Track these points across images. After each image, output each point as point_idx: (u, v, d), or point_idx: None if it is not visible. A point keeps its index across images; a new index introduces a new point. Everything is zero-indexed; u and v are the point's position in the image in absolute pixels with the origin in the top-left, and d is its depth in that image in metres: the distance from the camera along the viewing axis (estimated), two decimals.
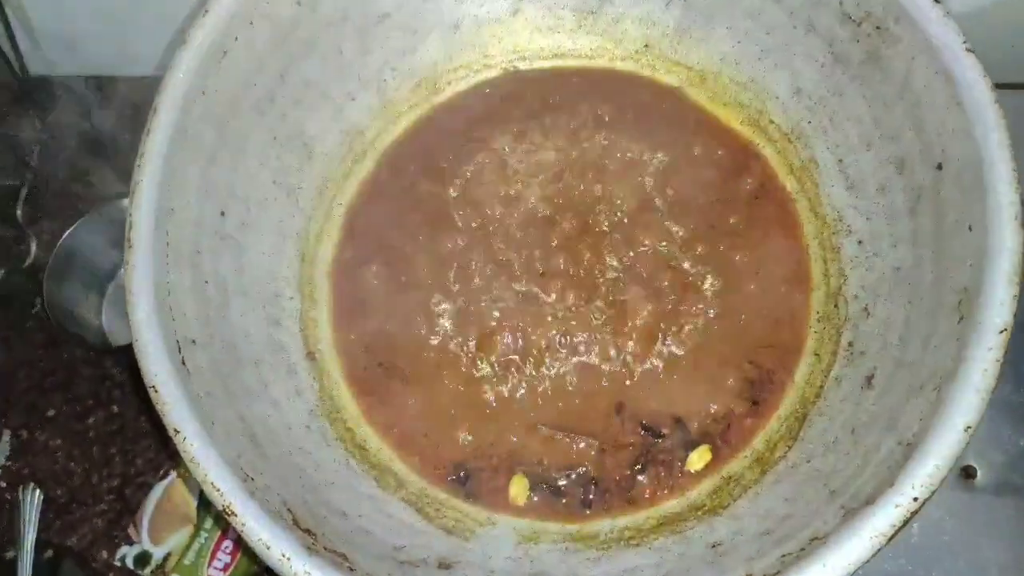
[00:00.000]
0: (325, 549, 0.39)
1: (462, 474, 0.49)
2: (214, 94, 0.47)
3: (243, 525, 0.38)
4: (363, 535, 0.43)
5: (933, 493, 0.35)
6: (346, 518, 0.44)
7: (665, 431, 0.48)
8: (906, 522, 0.35)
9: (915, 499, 0.35)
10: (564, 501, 0.48)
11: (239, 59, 0.48)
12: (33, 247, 0.68)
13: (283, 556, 0.37)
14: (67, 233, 0.64)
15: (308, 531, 0.39)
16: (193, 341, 0.43)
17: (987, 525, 0.51)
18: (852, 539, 0.35)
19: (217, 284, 0.47)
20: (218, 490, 0.38)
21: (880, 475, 0.37)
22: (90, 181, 0.70)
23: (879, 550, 0.35)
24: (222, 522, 0.56)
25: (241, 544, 0.55)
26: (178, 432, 0.39)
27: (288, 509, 0.40)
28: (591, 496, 0.48)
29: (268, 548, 0.37)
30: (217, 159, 0.48)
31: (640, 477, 0.47)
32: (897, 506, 0.35)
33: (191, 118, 0.46)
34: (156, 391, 0.40)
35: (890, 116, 0.47)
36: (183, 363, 0.41)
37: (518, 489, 0.48)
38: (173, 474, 0.59)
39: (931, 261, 0.43)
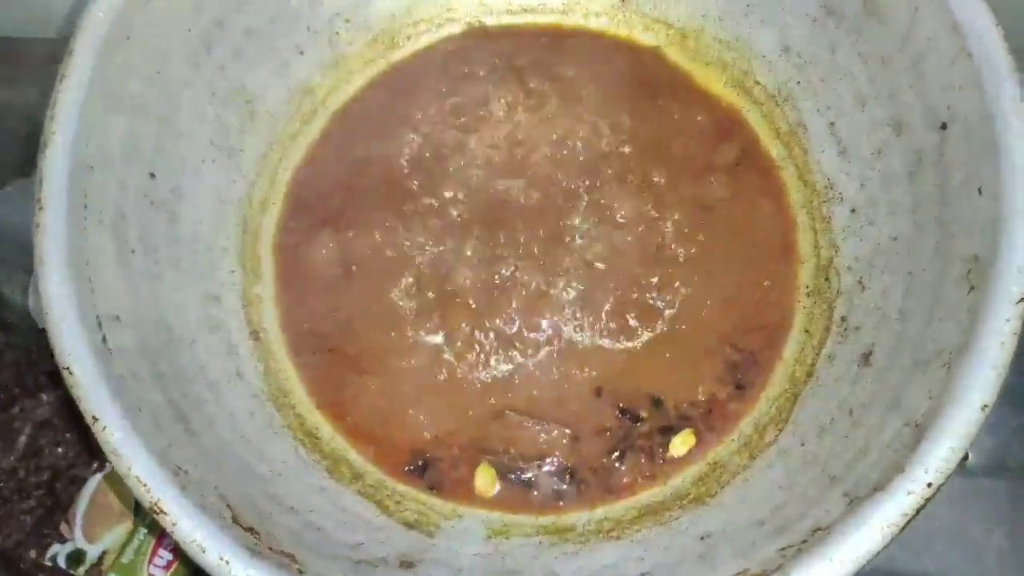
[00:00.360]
0: (270, 550, 0.34)
1: (420, 463, 0.45)
2: (141, 38, 0.41)
3: (174, 525, 0.33)
4: (314, 532, 0.39)
5: (948, 478, 0.32)
6: (295, 513, 0.39)
7: (643, 414, 0.45)
8: (919, 510, 0.32)
9: (929, 484, 0.32)
10: (535, 493, 0.44)
11: (170, 0, 0.43)
12: None
13: (221, 559, 0.32)
14: None
15: (251, 530, 0.35)
16: (117, 317, 0.38)
17: (980, 509, 0.48)
18: (861, 530, 0.31)
19: (146, 254, 0.42)
20: (144, 485, 0.33)
21: (888, 459, 0.34)
22: (17, 151, 0.64)
23: (891, 542, 0.31)
24: None
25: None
26: (97, 420, 0.34)
27: (228, 505, 0.35)
28: (564, 487, 0.44)
29: (204, 551, 0.32)
30: (145, 113, 0.43)
31: (619, 465, 0.44)
32: (910, 493, 0.31)
33: (113, 64, 0.40)
34: (71, 373, 0.35)
35: (888, 73, 0.44)
36: (103, 341, 0.36)
37: (484, 480, 0.44)
38: (109, 466, 0.53)
39: (934, 228, 0.40)
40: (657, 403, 0.45)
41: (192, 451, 0.37)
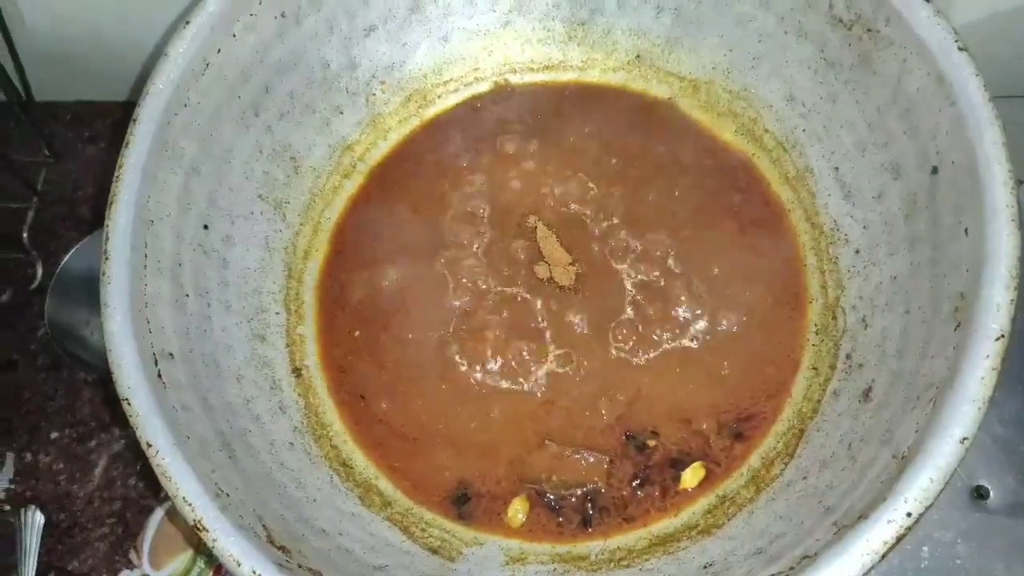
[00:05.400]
0: (299, 567, 0.38)
1: (462, 495, 0.47)
2: (196, 106, 0.46)
3: (214, 540, 0.37)
4: (342, 554, 0.42)
5: (928, 508, 0.33)
6: (325, 536, 0.42)
7: (651, 443, 0.47)
8: (900, 539, 0.33)
9: (908, 514, 0.33)
10: (560, 520, 0.46)
11: (221, 71, 0.48)
12: (39, 270, 0.68)
13: (254, 573, 0.36)
14: (69, 254, 0.63)
15: (283, 548, 0.38)
16: (171, 354, 0.42)
17: (1001, 548, 0.48)
18: (842, 556, 0.33)
19: (199, 298, 0.46)
20: (189, 505, 0.37)
21: (874, 490, 0.35)
22: (96, 205, 0.70)
23: (871, 568, 0.33)
24: None
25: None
26: (150, 446, 0.38)
27: (264, 526, 0.39)
28: (591, 513, 0.46)
29: (239, 565, 0.36)
30: (200, 172, 0.47)
31: (639, 493, 0.46)
32: (890, 522, 0.33)
33: (172, 130, 0.45)
34: (129, 404, 0.39)
35: (884, 120, 0.46)
36: (159, 376, 0.41)
37: (516, 510, 0.47)
38: None
39: (928, 268, 0.42)
40: (655, 435, 0.47)
41: (234, 476, 0.41)
